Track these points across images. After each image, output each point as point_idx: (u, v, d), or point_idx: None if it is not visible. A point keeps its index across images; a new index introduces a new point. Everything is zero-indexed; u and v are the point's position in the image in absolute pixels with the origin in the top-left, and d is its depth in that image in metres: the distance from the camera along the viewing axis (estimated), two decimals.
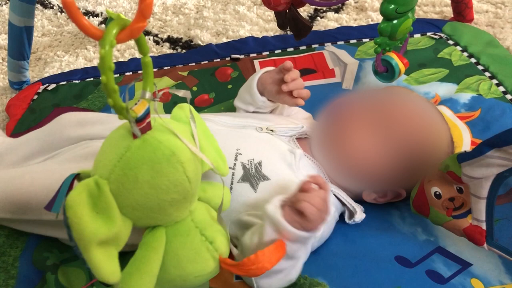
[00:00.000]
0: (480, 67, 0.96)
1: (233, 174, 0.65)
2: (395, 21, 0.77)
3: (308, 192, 0.56)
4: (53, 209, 0.43)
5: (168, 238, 0.49)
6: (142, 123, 0.44)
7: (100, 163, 0.45)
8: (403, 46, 0.86)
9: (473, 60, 0.98)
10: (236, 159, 0.66)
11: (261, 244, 0.55)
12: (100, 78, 0.39)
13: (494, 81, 0.92)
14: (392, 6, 0.74)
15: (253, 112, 0.79)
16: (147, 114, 0.44)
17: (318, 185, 0.58)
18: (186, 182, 0.46)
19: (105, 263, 0.42)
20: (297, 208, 0.55)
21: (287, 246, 0.54)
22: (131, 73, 1.06)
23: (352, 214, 0.70)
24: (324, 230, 0.66)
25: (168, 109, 0.91)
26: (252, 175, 0.65)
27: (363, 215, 0.70)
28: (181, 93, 0.49)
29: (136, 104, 0.44)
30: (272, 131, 0.71)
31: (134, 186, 0.44)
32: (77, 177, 0.46)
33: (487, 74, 0.94)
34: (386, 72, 0.87)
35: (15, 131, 0.92)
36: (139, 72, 1.04)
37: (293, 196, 0.57)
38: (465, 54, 1.00)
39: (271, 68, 0.78)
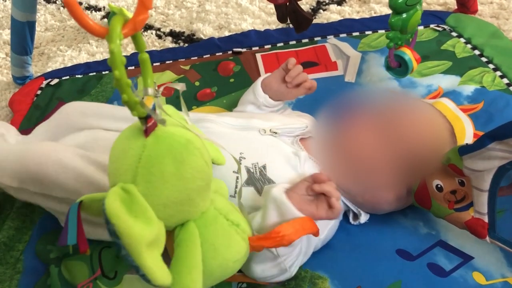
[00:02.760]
0: (484, 59, 0.95)
1: (237, 178, 0.64)
2: (404, 15, 0.77)
3: (326, 182, 0.59)
4: (69, 241, 0.43)
5: (200, 230, 0.49)
6: (152, 119, 0.44)
7: (118, 171, 0.45)
8: (413, 39, 0.85)
9: (476, 52, 0.97)
10: (240, 163, 0.65)
11: (263, 228, 0.57)
12: (113, 73, 0.38)
13: (498, 73, 0.92)
14: None
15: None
16: (153, 110, 0.44)
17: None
18: (206, 166, 0.47)
19: (157, 266, 0.42)
20: (326, 200, 0.58)
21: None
22: (133, 67, 1.06)
23: (356, 216, 0.70)
24: (328, 233, 0.66)
25: (170, 103, 0.90)
26: (257, 179, 0.65)
27: (368, 216, 0.70)
28: (179, 86, 0.50)
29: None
30: (276, 133, 0.69)
31: (162, 182, 0.44)
32: (81, 204, 0.45)
33: (491, 66, 0.94)
34: (399, 67, 0.86)
35: (22, 128, 0.93)
36: None
37: (312, 183, 0.59)
38: (469, 46, 0.99)
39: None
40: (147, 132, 0.44)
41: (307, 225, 0.55)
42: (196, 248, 0.48)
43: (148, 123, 0.44)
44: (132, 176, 0.44)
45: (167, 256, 0.48)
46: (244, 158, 0.66)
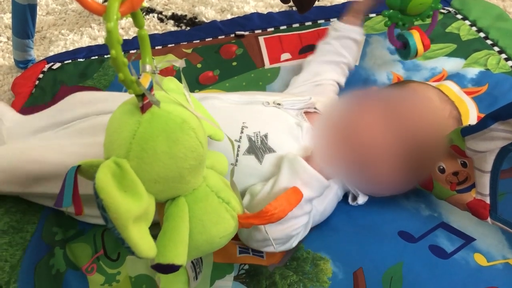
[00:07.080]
0: (488, 42, 0.95)
1: (238, 146, 0.65)
2: None
3: None
4: (64, 204, 0.43)
5: (190, 206, 0.50)
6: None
7: (113, 144, 0.45)
8: (431, 24, 0.82)
9: (481, 34, 0.97)
10: (242, 132, 0.66)
11: (272, 193, 0.59)
12: (110, 52, 0.38)
13: (503, 56, 0.91)
14: None
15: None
16: (151, 87, 0.45)
17: None
18: (200, 147, 0.47)
19: (142, 239, 0.43)
20: None
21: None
22: (135, 50, 1.06)
23: (355, 197, 0.70)
24: (327, 206, 0.67)
25: None
26: (258, 147, 0.65)
27: (366, 197, 0.70)
28: (178, 63, 0.49)
29: (139, 78, 0.44)
30: (279, 104, 0.70)
31: (153, 159, 0.44)
32: (78, 169, 0.46)
33: (496, 48, 0.93)
34: (403, 48, 0.82)
35: (26, 105, 0.93)
36: None
37: None
38: (474, 28, 0.98)
39: None
40: (143, 109, 0.44)
41: (293, 198, 0.55)
42: (183, 223, 0.48)
43: (144, 100, 0.44)
44: (125, 151, 0.44)
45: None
46: (247, 127, 0.66)
